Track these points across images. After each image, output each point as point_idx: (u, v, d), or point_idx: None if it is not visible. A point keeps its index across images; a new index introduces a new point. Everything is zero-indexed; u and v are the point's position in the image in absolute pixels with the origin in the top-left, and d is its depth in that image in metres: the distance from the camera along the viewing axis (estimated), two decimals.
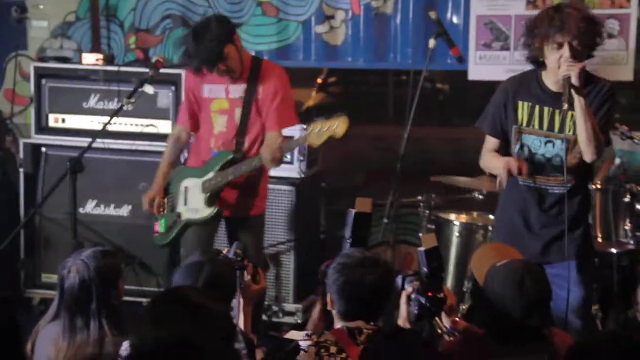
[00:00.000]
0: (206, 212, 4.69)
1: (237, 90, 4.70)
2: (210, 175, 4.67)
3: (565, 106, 3.79)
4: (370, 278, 3.16)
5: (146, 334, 2.41)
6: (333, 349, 3.09)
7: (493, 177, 4.41)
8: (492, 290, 3.15)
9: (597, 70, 4.16)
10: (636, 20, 5.68)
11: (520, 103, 4.05)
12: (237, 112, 4.71)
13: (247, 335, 3.35)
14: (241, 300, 3.44)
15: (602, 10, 5.53)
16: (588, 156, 3.94)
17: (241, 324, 3.42)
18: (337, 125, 4.31)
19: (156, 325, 2.40)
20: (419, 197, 5.49)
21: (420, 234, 3.73)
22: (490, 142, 4.14)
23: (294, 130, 4.95)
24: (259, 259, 4.77)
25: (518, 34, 5.44)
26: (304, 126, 5.00)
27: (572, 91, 3.79)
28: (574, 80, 3.79)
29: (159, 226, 4.83)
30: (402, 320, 3.23)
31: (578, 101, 3.82)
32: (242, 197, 4.75)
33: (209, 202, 4.68)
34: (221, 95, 4.73)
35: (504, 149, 4.12)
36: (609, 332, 3.93)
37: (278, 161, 4.54)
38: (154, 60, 4.55)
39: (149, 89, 4.68)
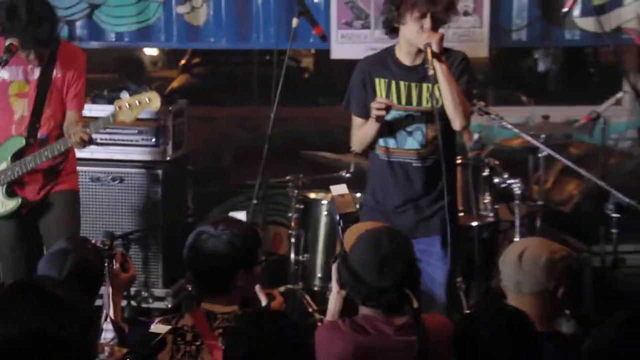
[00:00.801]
0: (10, 204, 4.45)
1: (37, 71, 4.47)
2: (4, 165, 4.42)
3: (431, 72, 3.89)
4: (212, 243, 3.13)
5: None
6: (189, 337, 3.06)
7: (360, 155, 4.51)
8: (353, 256, 3.09)
9: (453, 47, 4.28)
10: None
11: (377, 80, 4.14)
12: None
13: (118, 324, 3.31)
14: (110, 289, 3.38)
15: None
16: (457, 123, 4.03)
17: (112, 313, 3.36)
18: (150, 100, 4.23)
19: (3, 319, 2.33)
20: (288, 178, 5.49)
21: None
22: (358, 122, 4.20)
23: (101, 110, 4.84)
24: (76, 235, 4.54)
25: (378, 12, 5.54)
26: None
27: (434, 59, 3.89)
28: (435, 48, 3.91)
29: None
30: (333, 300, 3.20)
31: (440, 69, 3.93)
32: (46, 180, 4.51)
33: (9, 193, 4.44)
34: (19, 78, 4.47)
35: None
36: (488, 306, 4.05)
37: (87, 142, 4.33)
38: (8, 43, 4.36)
39: (4, 73, 4.46)
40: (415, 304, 2.97)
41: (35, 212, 4.54)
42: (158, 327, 2.98)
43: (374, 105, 3.99)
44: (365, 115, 4.14)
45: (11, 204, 4.44)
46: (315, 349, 2.88)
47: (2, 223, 4.52)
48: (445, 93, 3.98)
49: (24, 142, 4.42)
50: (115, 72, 7.60)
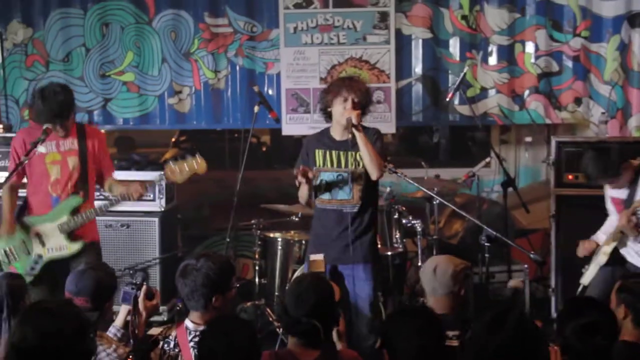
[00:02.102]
0: (74, 246, 4.31)
1: (66, 144, 4.39)
2: (64, 219, 4.29)
3: (350, 135, 3.97)
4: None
5: (15, 336, 2.35)
6: (172, 344, 3.03)
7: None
8: (287, 292, 3.06)
9: (375, 128, 4.33)
10: (395, 91, 5.98)
11: (316, 151, 4.19)
12: (70, 161, 4.37)
13: (139, 337, 3.13)
14: (140, 307, 3.23)
15: (373, 85, 5.81)
16: (374, 174, 4.04)
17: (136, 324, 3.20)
18: (198, 165, 4.13)
19: (19, 335, 2.35)
20: (252, 221, 5.50)
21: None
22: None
23: (151, 175, 4.77)
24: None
25: (315, 101, 5.64)
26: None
27: (354, 129, 3.97)
28: (355, 121, 3.98)
29: (15, 270, 4.23)
30: None
31: (358, 135, 3.99)
32: (87, 227, 4.37)
33: (71, 238, 4.32)
34: (52, 150, 4.37)
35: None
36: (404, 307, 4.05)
37: (143, 196, 4.29)
38: (44, 127, 4.33)
39: (41, 149, 4.43)
40: (326, 336, 2.86)
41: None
42: (152, 331, 2.95)
43: (296, 174, 4.02)
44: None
45: (75, 247, 4.31)
46: None
47: (62, 262, 4.30)
48: (363, 152, 4.00)
49: (81, 200, 4.34)
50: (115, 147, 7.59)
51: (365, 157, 4.01)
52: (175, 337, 3.03)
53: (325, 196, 4.17)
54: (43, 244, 4.34)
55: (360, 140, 3.99)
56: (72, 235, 4.33)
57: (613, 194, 4.56)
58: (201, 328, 3.01)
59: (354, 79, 4.22)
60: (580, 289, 4.59)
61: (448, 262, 3.32)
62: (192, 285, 3.04)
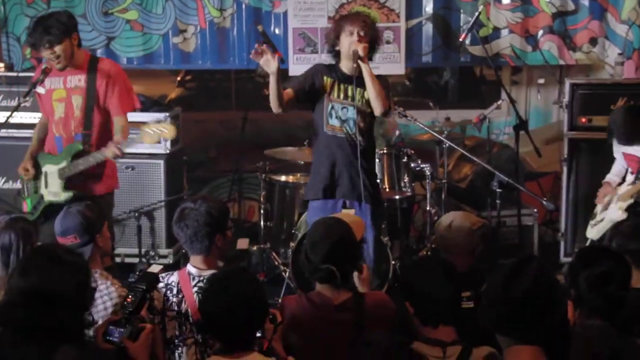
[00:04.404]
0: (64, 195, 4.16)
1: (74, 80, 4.17)
2: (64, 164, 4.16)
3: (355, 65, 3.88)
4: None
5: (13, 284, 2.29)
6: (175, 290, 2.96)
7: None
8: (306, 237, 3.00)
9: (379, 67, 4.23)
10: (405, 31, 5.82)
11: (325, 78, 4.08)
12: (75, 100, 4.18)
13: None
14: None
15: (381, 24, 5.64)
16: (378, 109, 3.95)
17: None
18: (168, 130, 3.98)
19: (21, 276, 2.28)
20: (257, 164, 5.43)
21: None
22: (286, 92, 4.02)
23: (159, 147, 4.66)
24: (112, 231, 4.28)
25: (323, 41, 5.48)
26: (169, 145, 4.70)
27: (360, 62, 3.87)
28: (361, 52, 3.88)
29: (26, 206, 4.28)
30: None
31: (364, 67, 3.90)
32: (90, 180, 4.21)
33: (65, 186, 4.17)
34: (59, 86, 4.18)
35: (293, 100, 4.05)
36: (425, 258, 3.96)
37: (119, 157, 4.08)
38: (44, 67, 4.19)
39: (40, 89, 4.32)
40: (344, 279, 2.80)
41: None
42: (154, 268, 2.78)
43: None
44: (292, 87, 4.04)
45: (65, 195, 4.16)
46: (283, 312, 2.78)
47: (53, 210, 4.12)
48: (368, 85, 3.92)
49: (81, 147, 4.16)
50: None
51: (370, 90, 3.92)
52: (178, 283, 2.96)
53: (336, 123, 4.07)
54: (46, 185, 4.26)
55: (367, 72, 3.90)
56: (67, 183, 4.19)
57: (627, 150, 4.43)
58: (205, 273, 2.94)
59: (359, 13, 4.11)
60: (588, 243, 4.49)
61: (465, 219, 3.19)
62: (194, 225, 2.94)
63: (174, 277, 3.01)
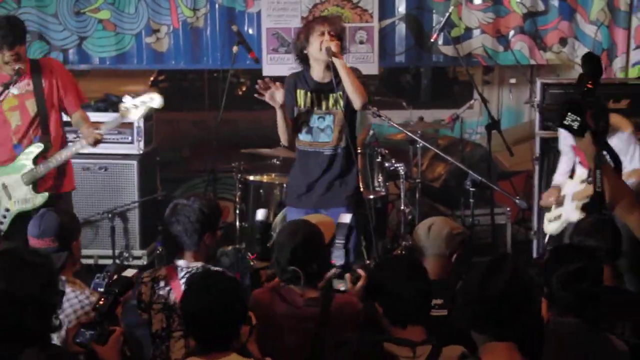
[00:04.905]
0: (38, 199, 4.06)
1: (22, 85, 4.09)
2: (27, 169, 4.05)
3: (329, 63, 3.82)
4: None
5: None
6: (162, 283, 2.98)
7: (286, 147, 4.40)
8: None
9: (354, 67, 4.22)
10: (378, 31, 5.84)
11: (298, 90, 4.05)
12: (29, 105, 4.10)
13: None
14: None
15: (354, 24, 5.66)
16: (357, 102, 3.89)
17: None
18: (152, 99, 3.94)
19: None
20: (232, 165, 5.42)
21: None
22: None
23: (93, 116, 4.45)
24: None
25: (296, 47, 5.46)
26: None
27: (334, 58, 3.82)
28: (334, 49, 3.83)
29: None
30: None
31: (339, 63, 3.84)
32: (56, 178, 4.16)
33: (36, 190, 4.08)
34: (8, 95, 4.06)
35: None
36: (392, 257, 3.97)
37: (99, 142, 4.04)
38: (17, 67, 4.12)
39: (14, 90, 4.19)
40: (309, 280, 2.84)
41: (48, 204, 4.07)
42: (128, 272, 2.82)
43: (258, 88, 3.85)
44: (291, 113, 4.03)
45: (40, 199, 4.08)
46: (253, 304, 2.82)
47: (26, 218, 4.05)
48: (345, 80, 3.85)
49: (42, 147, 4.09)
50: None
51: (347, 84, 3.87)
52: (165, 276, 2.98)
53: (307, 138, 4.07)
54: (9, 196, 4.14)
55: (342, 68, 3.85)
56: (36, 186, 4.11)
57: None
58: (193, 264, 2.98)
59: (325, 16, 4.08)
60: (547, 239, 4.51)
61: (444, 223, 3.16)
62: (185, 221, 2.99)
63: (161, 271, 3.03)
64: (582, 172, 4.38)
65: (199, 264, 3.01)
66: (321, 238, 2.99)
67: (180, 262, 3.02)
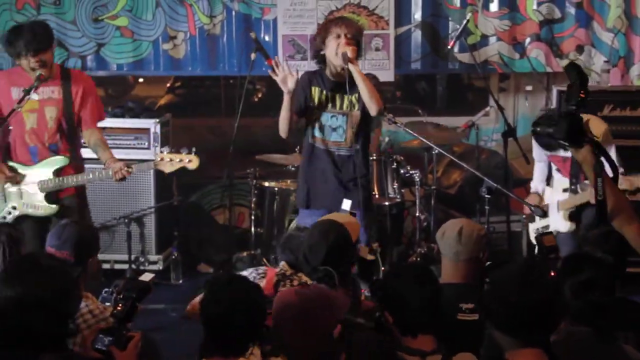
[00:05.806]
0: (49, 209, 4.12)
1: (47, 91, 4.15)
2: (48, 177, 4.10)
3: (345, 67, 3.84)
4: None
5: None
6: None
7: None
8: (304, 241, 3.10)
9: (370, 74, 4.25)
10: (394, 38, 5.86)
11: (313, 88, 4.07)
12: (48, 112, 4.16)
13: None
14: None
15: (370, 31, 5.68)
16: (373, 108, 3.92)
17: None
18: (190, 161, 4.02)
19: (6, 286, 2.27)
20: (248, 171, 5.46)
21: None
22: None
23: (148, 153, 4.49)
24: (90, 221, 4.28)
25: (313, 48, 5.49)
26: (158, 150, 4.63)
27: (350, 64, 3.84)
28: (350, 54, 3.85)
29: None
30: None
31: (354, 69, 3.87)
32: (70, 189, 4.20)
33: (49, 199, 4.11)
34: (32, 97, 4.09)
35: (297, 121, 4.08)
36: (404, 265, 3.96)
37: (123, 180, 4.10)
38: (37, 74, 4.17)
39: (34, 95, 4.18)
40: (342, 279, 2.88)
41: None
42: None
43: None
44: (299, 112, 4.03)
45: (50, 210, 4.13)
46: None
47: (36, 223, 4.14)
48: (360, 86, 3.88)
49: (68, 161, 4.15)
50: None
51: (363, 91, 3.90)
52: (265, 271, 3.12)
53: (319, 135, 4.08)
54: (21, 196, 4.17)
55: (357, 74, 3.87)
56: (51, 196, 4.15)
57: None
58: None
59: (343, 17, 4.09)
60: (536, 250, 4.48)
61: (472, 225, 3.08)
62: (310, 240, 3.08)
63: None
64: (562, 180, 4.38)
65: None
66: (350, 238, 3.04)
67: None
